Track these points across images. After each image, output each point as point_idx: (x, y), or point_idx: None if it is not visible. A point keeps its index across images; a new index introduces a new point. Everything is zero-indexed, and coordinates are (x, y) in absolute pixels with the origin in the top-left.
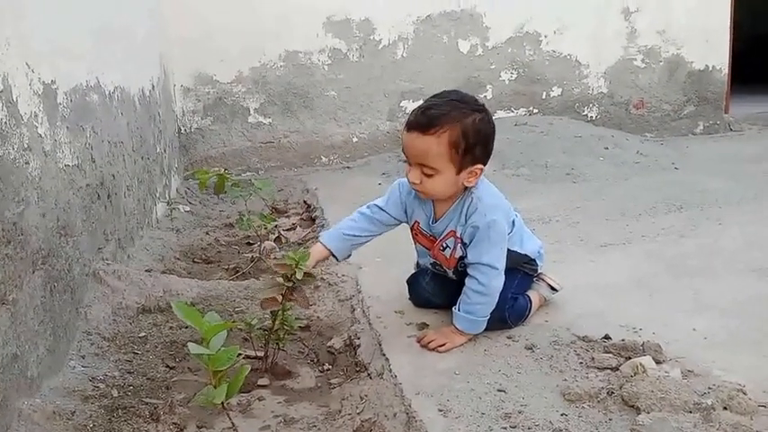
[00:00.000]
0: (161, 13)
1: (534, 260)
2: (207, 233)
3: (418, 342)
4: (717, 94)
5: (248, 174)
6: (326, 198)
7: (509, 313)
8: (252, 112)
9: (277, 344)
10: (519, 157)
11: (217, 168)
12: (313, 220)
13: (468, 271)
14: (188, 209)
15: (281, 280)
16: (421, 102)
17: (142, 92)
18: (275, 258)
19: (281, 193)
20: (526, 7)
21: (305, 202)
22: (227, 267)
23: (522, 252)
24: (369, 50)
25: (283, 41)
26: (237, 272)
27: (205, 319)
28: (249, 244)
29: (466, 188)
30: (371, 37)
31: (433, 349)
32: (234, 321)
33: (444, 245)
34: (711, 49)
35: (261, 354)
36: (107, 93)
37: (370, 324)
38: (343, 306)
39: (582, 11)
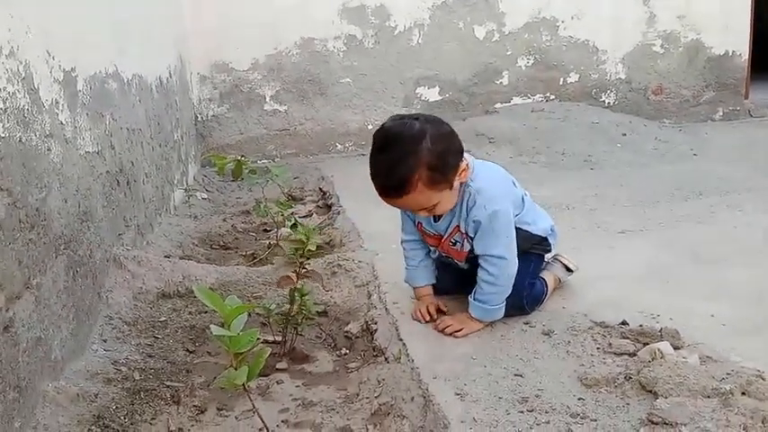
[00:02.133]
0: (177, 2)
1: (547, 239)
2: (224, 220)
3: (435, 328)
4: (737, 79)
5: (264, 161)
6: (342, 186)
7: (527, 300)
8: (268, 99)
9: (295, 328)
10: (536, 143)
11: (233, 155)
12: (329, 207)
13: (479, 262)
14: (205, 196)
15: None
16: (437, 89)
17: (159, 79)
18: (288, 237)
19: (297, 180)
20: None
21: (320, 189)
22: (244, 254)
23: (535, 232)
24: (384, 37)
25: (299, 29)
26: (255, 258)
27: (226, 302)
28: (266, 231)
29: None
30: (387, 23)
31: (450, 334)
32: (253, 305)
33: (453, 240)
34: (731, 34)
35: (279, 338)
36: (125, 80)
37: (386, 309)
38: (359, 292)
39: None
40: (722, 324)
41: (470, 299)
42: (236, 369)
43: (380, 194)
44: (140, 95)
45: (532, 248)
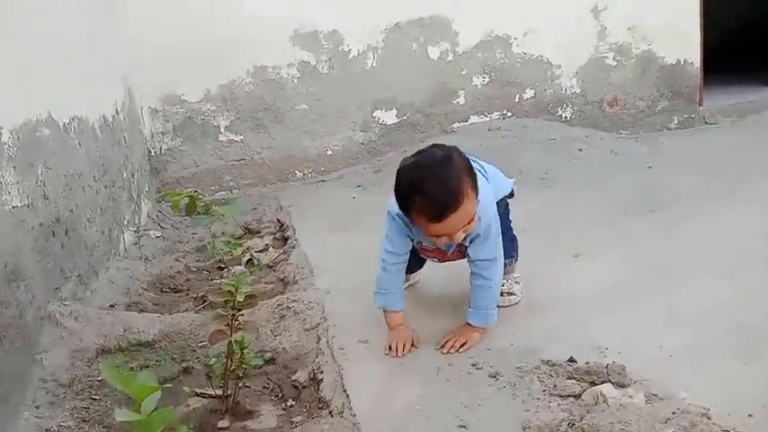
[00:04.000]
0: (123, 37)
1: (512, 190)
2: (177, 260)
3: (441, 350)
4: (690, 87)
5: (222, 193)
6: (299, 216)
7: (515, 247)
8: (222, 129)
9: (236, 383)
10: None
11: (190, 189)
12: (285, 239)
13: (471, 268)
14: (159, 234)
15: (222, 311)
16: (394, 111)
17: (104, 118)
18: (216, 288)
19: (255, 211)
20: (494, 10)
21: (278, 220)
22: (195, 296)
23: (505, 194)
24: (338, 62)
25: (250, 57)
26: (205, 301)
27: (138, 379)
28: (220, 268)
29: None
30: (340, 48)
31: (456, 351)
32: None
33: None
34: (683, 43)
35: (221, 392)
36: (62, 125)
37: (333, 357)
38: (308, 335)
39: (551, 11)
40: (670, 355)
41: (467, 308)
42: None
43: (434, 219)
44: (80, 138)
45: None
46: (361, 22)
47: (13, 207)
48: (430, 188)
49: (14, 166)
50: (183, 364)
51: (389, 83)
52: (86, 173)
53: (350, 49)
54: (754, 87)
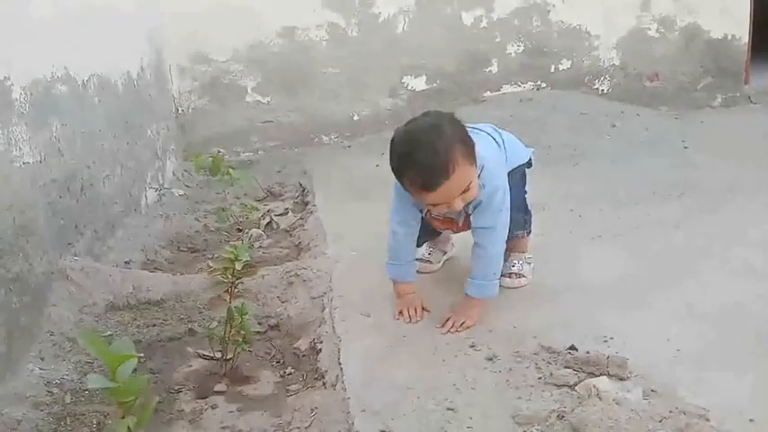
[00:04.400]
0: None
1: (530, 159)
2: (197, 219)
3: (441, 329)
4: (736, 64)
5: (248, 154)
6: (321, 180)
7: (527, 217)
8: (249, 90)
9: (236, 347)
10: (521, 136)
11: (216, 149)
12: (305, 204)
13: (473, 237)
14: (182, 192)
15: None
16: (423, 78)
17: (128, 75)
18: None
19: (280, 174)
20: None
21: (300, 184)
22: (211, 256)
23: (521, 162)
24: (368, 25)
25: (280, 18)
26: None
27: (114, 346)
28: (239, 230)
29: None
30: (371, 11)
31: (456, 331)
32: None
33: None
34: (730, 17)
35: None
36: (81, 82)
37: (333, 328)
38: (314, 304)
39: None
40: (677, 349)
41: (468, 279)
42: (122, 418)
43: (425, 189)
44: (100, 95)
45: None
46: None
47: (24, 163)
48: (418, 158)
49: (26, 123)
50: (189, 325)
51: (420, 48)
52: (105, 130)
53: (380, 12)
54: None
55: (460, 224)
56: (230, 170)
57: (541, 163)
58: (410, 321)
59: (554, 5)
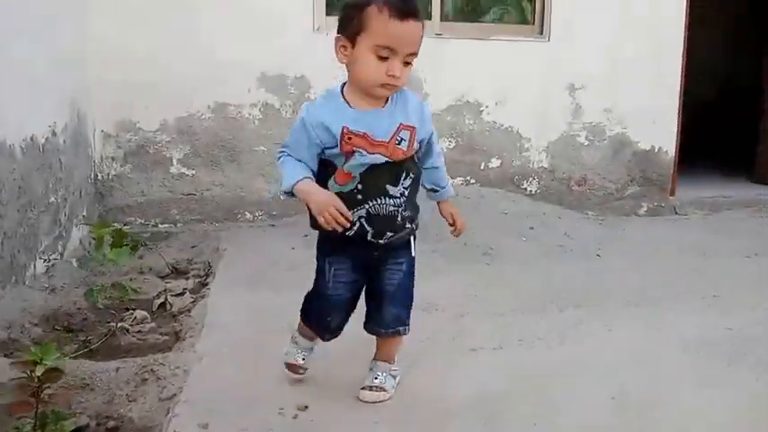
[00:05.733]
0: (80, 57)
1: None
2: (86, 294)
3: (455, 233)
4: (663, 176)
5: (165, 225)
6: (230, 262)
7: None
8: (175, 162)
9: None
10: (440, 230)
11: (133, 218)
12: (204, 285)
13: (432, 155)
14: (78, 264)
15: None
16: None
17: (32, 139)
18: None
19: (193, 249)
20: (468, 76)
21: (208, 263)
22: (84, 339)
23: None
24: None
25: (213, 93)
26: (87, 346)
27: None
28: (127, 309)
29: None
30: (306, 95)
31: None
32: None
33: (399, 139)
34: (658, 130)
35: None
36: None
37: None
38: (161, 407)
39: (526, 84)
40: None
41: (438, 191)
42: None
43: (398, 16)
44: None
45: None
46: (332, 72)
47: None
48: None
49: None
50: (12, 425)
51: None
52: None
53: (316, 97)
54: (735, 180)
55: (407, 148)
56: (113, 249)
57: (456, 260)
58: (338, 224)
59: (487, 105)
